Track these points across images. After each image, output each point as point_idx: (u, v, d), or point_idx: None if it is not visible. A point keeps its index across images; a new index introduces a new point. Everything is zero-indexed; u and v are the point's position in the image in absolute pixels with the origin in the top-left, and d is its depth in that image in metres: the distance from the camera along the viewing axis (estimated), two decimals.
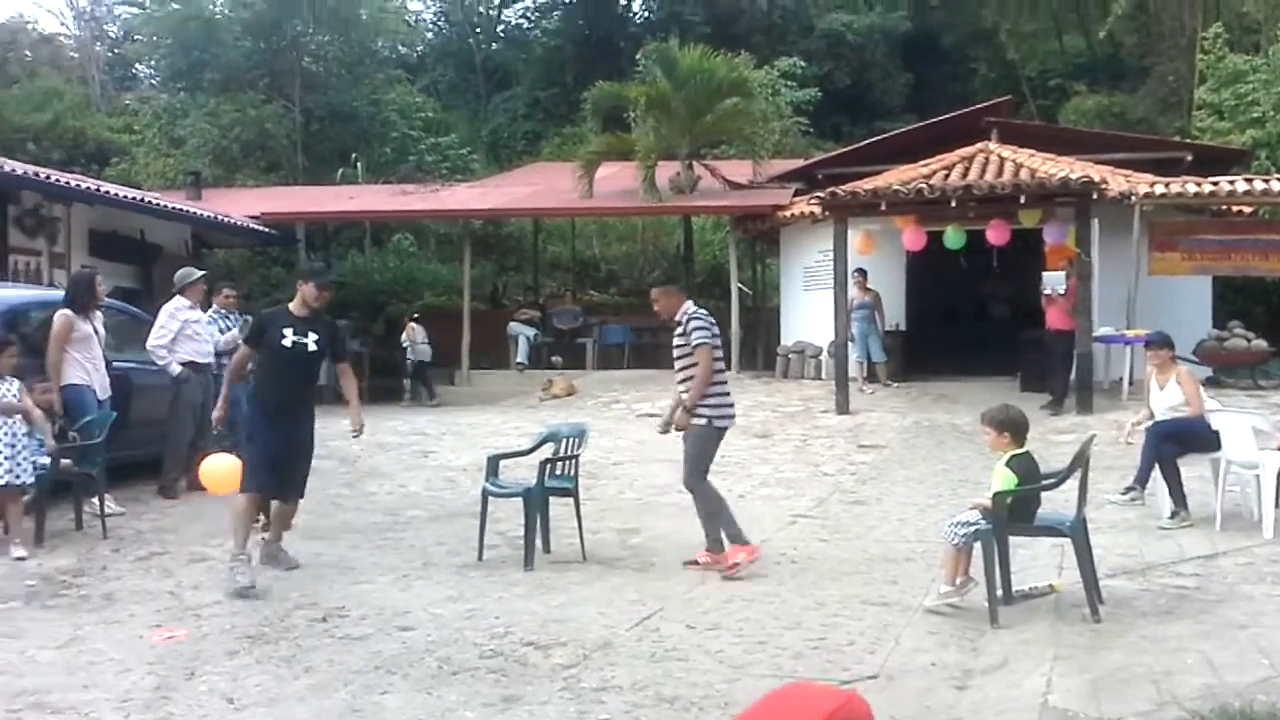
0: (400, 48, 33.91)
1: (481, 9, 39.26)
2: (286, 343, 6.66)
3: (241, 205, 19.60)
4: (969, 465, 10.32)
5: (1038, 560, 6.52)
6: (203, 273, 10.12)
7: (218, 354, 9.70)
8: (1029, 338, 14.88)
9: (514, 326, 19.46)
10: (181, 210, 17.51)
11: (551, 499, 7.32)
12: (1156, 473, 7.91)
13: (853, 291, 14.61)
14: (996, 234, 14.01)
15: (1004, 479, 5.64)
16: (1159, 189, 14.74)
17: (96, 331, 8.64)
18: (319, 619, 5.66)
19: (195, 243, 18.77)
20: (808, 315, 17.24)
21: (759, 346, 19.54)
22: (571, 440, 7.58)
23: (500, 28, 39.87)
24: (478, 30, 38.52)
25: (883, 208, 14.05)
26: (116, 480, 8.75)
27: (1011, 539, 5.70)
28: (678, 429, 6.86)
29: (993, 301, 20.30)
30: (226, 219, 18.02)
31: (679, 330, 6.90)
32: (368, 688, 4.62)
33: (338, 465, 10.65)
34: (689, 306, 6.96)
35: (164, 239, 17.35)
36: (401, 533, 8.09)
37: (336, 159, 25.68)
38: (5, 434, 7.14)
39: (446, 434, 13.15)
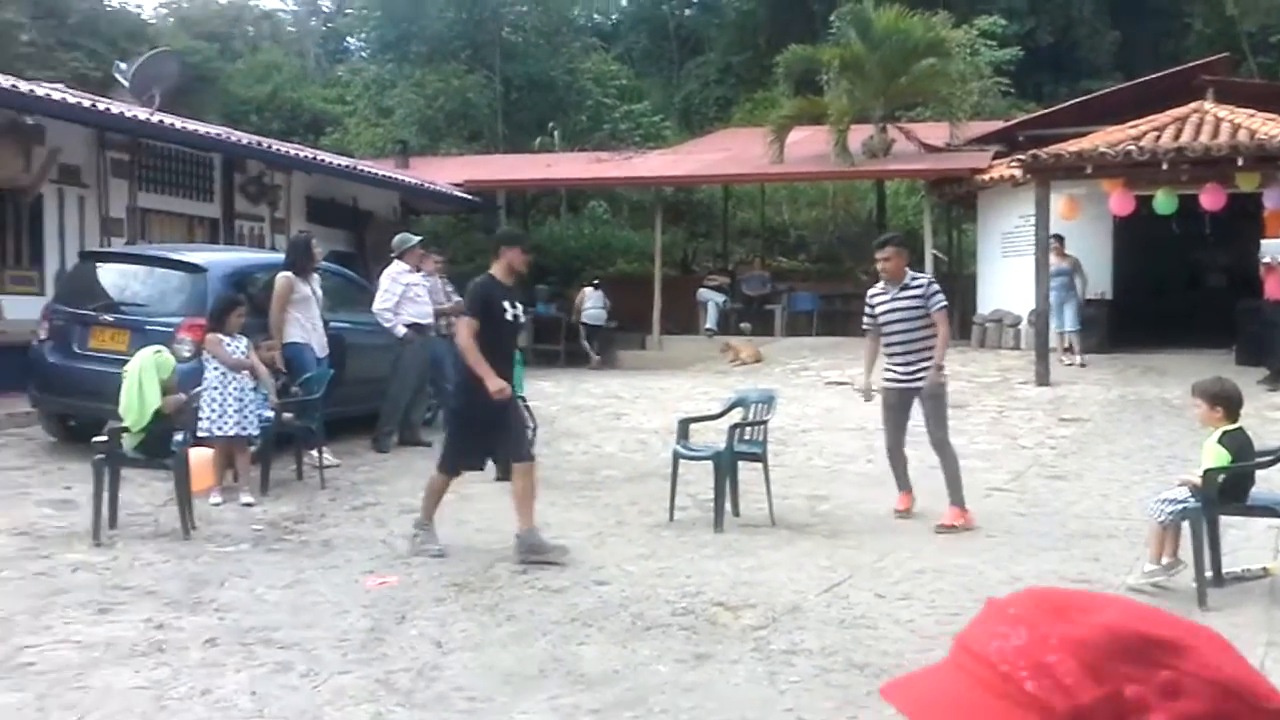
0: (596, 16, 34.37)
1: None
2: (509, 315, 6.41)
3: (446, 173, 20.32)
4: (1177, 441, 9.87)
5: (1251, 541, 6.23)
6: (419, 238, 10.61)
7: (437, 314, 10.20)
8: (1246, 308, 14.04)
9: (703, 293, 19.58)
10: (391, 178, 18.31)
11: (741, 464, 7.41)
12: None
13: (1050, 258, 14.11)
14: (1211, 199, 13.27)
15: (1216, 455, 5.41)
16: None
17: (314, 293, 9.17)
18: (519, 571, 5.92)
19: (404, 209, 19.62)
20: (1006, 283, 16.71)
21: (954, 315, 19.06)
22: (760, 406, 7.66)
23: None
24: None
25: (1088, 171, 13.50)
26: (333, 434, 9.28)
27: (1223, 519, 5.47)
28: (931, 392, 7.18)
29: (1206, 270, 19.22)
30: (432, 186, 18.74)
31: (909, 293, 7.16)
32: (566, 638, 4.82)
33: (539, 425, 11.04)
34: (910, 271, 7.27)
35: (375, 205, 18.22)
36: (596, 492, 8.34)
37: (535, 127, 26.30)
38: (234, 389, 7.66)
39: (639, 398, 13.41)
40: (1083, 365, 14.29)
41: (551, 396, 12.91)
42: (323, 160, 16.88)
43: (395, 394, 9.89)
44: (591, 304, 18.82)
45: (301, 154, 16.25)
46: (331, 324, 9.54)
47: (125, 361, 7.27)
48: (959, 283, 19.89)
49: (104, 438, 6.92)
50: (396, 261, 10.12)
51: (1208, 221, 14.91)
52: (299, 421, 8.51)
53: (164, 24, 33.68)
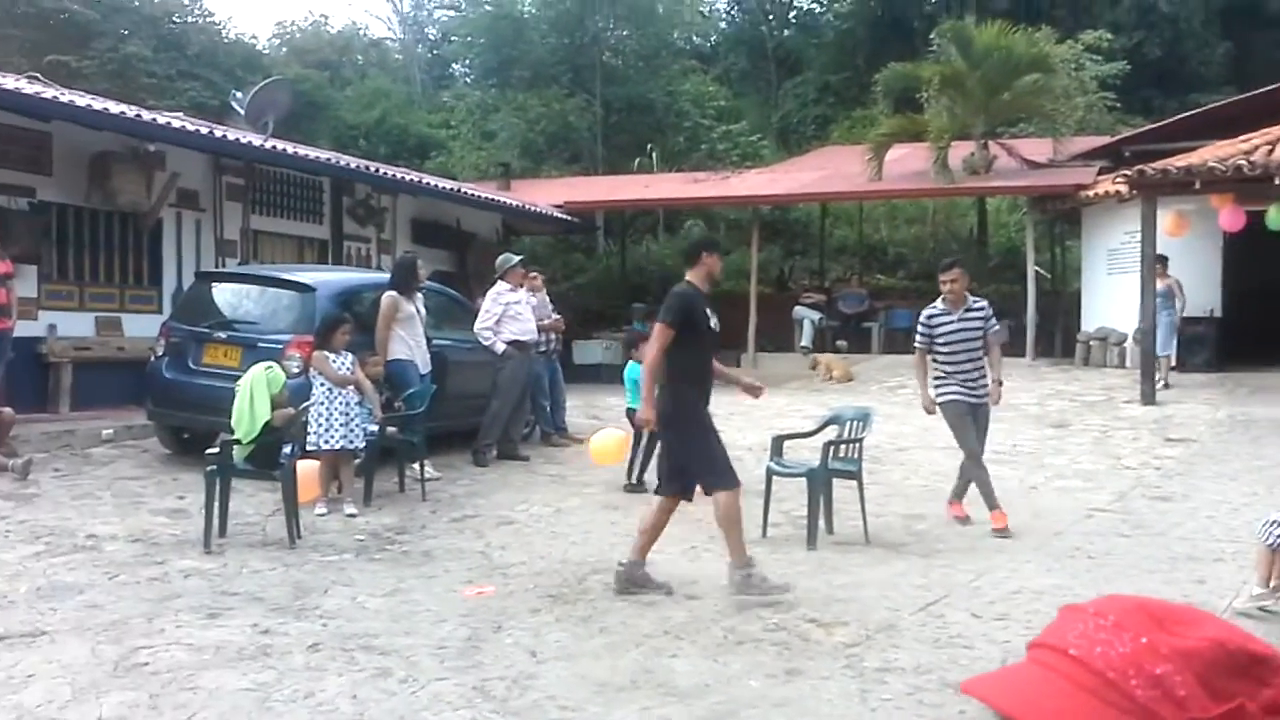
0: (694, 38, 34.55)
1: None
2: (712, 324, 6.00)
3: (546, 194, 20.62)
4: None
5: None
6: (519, 258, 10.86)
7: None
8: None
9: (799, 310, 19.50)
10: (493, 200, 18.64)
11: (835, 481, 7.40)
12: None
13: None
14: None
15: None
16: None
17: (419, 311, 9.40)
18: (612, 584, 5.99)
19: (505, 230, 19.96)
20: (1111, 300, 16.34)
21: (1057, 332, 18.70)
22: (855, 424, 7.62)
23: (792, 14, 39.72)
24: (770, 17, 38.57)
25: (1197, 186, 13.10)
26: (435, 448, 9.47)
27: None
28: (995, 403, 7.71)
29: None
30: (533, 208, 19.04)
31: (972, 314, 7.59)
32: (657, 650, 4.87)
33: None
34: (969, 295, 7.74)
35: (477, 226, 18.58)
36: (689, 507, 8.32)
37: (634, 149, 26.53)
38: (340, 403, 7.88)
39: (733, 414, 13.37)
40: (1167, 387, 13.72)
41: None
42: (427, 183, 17.27)
43: (495, 409, 10.07)
44: None
45: (407, 177, 16.67)
46: (434, 341, 9.73)
47: (237, 377, 7.55)
48: (1062, 300, 19.50)
49: (216, 450, 7.19)
50: (499, 282, 10.37)
51: None
52: (402, 436, 8.71)
53: (277, 53, 34.88)
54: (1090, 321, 17.34)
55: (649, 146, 26.06)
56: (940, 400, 7.64)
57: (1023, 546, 7.01)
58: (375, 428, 8.30)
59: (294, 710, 4.09)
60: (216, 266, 12.98)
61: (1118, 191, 15.40)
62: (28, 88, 11.02)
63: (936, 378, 7.71)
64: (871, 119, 24.32)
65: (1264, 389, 13.58)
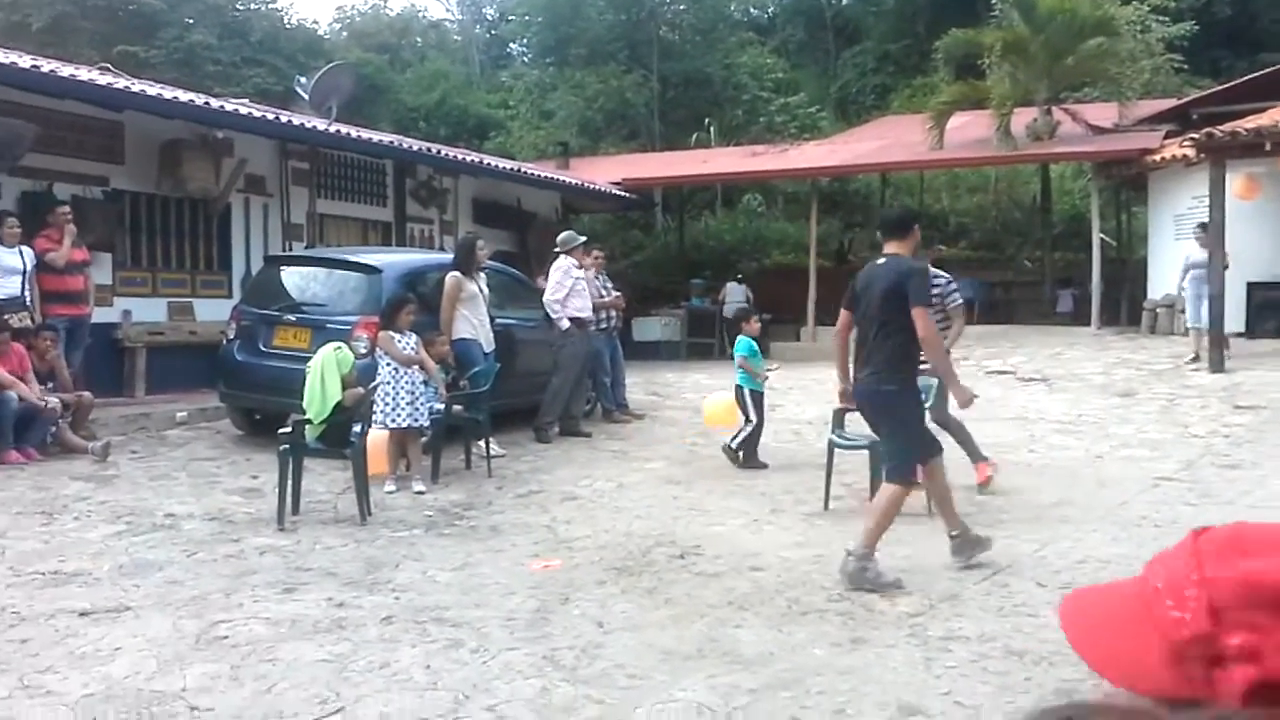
0: (751, 10, 34.35)
1: None
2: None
3: (604, 172, 20.66)
4: None
5: None
6: (584, 238, 10.97)
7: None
8: None
9: None
10: (552, 179, 18.75)
11: None
12: None
13: (1194, 248, 13.43)
14: None
15: None
16: None
17: (481, 291, 9.52)
18: (677, 556, 6.06)
19: (564, 209, 20.06)
20: (1178, 267, 16.02)
21: (1123, 300, 18.41)
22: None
23: None
24: None
25: (1267, 148, 12.82)
26: (499, 426, 9.60)
27: None
28: None
29: None
30: (592, 186, 19.11)
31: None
32: (722, 621, 4.93)
33: (692, 415, 11.21)
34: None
35: (537, 206, 18.69)
36: (752, 480, 8.43)
37: (691, 124, 26.48)
38: (406, 383, 8.02)
39: (793, 388, 13.39)
40: (1195, 359, 13.21)
41: (706, 388, 13.04)
42: (488, 164, 17.42)
43: (556, 386, 10.19)
44: (733, 298, 18.90)
45: (468, 158, 16.81)
46: (498, 320, 9.83)
47: (307, 358, 7.70)
48: (1128, 267, 19.19)
49: (288, 430, 7.37)
50: (564, 256, 10.45)
51: None
52: (467, 413, 8.84)
53: (337, 38, 35.25)
54: (1157, 289, 17.04)
55: (706, 121, 25.98)
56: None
57: (1088, 516, 6.97)
58: (441, 406, 8.42)
59: (370, 680, 4.21)
60: (284, 250, 13.22)
61: (1185, 155, 15.10)
62: (101, 79, 11.30)
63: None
64: (932, 87, 24.05)
65: None
